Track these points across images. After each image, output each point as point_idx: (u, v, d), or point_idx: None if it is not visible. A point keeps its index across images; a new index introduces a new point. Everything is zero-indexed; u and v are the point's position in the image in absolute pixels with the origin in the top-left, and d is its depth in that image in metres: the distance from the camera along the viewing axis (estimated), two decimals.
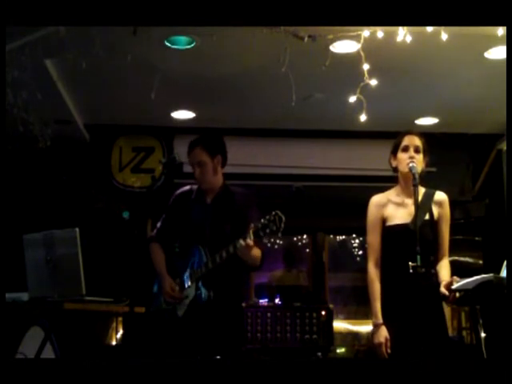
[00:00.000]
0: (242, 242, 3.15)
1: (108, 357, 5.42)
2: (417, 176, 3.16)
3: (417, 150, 3.29)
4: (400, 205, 3.32)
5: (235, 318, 3.48)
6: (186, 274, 3.46)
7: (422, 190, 3.32)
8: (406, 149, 3.29)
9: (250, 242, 3.12)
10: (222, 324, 3.38)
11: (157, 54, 4.62)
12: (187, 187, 3.68)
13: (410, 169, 3.19)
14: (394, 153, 3.35)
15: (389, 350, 3.13)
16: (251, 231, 3.11)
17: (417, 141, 3.31)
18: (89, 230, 4.18)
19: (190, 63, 4.82)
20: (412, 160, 3.23)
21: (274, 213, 3.07)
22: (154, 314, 3.59)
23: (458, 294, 3.16)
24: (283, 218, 3.05)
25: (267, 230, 3.07)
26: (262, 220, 3.09)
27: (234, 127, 6.12)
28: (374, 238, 3.33)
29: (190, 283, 3.44)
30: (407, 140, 3.31)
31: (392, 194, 3.38)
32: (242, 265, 3.39)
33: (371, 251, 3.32)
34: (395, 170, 3.37)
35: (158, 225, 3.69)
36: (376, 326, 3.19)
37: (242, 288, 3.63)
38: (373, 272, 3.27)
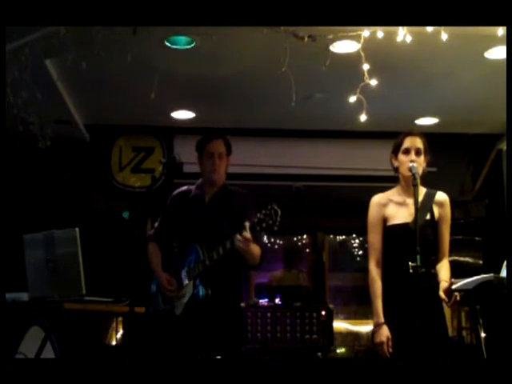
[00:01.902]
0: (238, 236, 3.14)
1: (108, 357, 5.42)
2: (417, 176, 3.17)
3: (418, 153, 3.28)
4: (401, 204, 3.33)
5: (234, 317, 3.47)
6: (184, 273, 3.47)
7: (423, 190, 3.33)
8: (407, 151, 3.29)
9: (247, 234, 3.11)
10: (220, 322, 3.38)
11: (157, 54, 4.62)
12: (185, 187, 3.68)
13: (410, 169, 3.20)
14: (395, 153, 3.35)
15: (390, 350, 3.13)
16: (247, 226, 3.10)
17: (418, 143, 3.30)
18: (89, 229, 4.18)
19: (190, 63, 4.82)
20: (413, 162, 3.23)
21: (269, 207, 3.06)
22: (153, 315, 3.59)
23: (458, 298, 3.16)
24: (279, 212, 3.04)
25: (263, 224, 3.06)
26: (258, 214, 3.08)
27: (234, 127, 6.12)
28: (374, 238, 3.33)
29: (187, 281, 3.44)
30: (408, 142, 3.30)
31: (393, 194, 3.39)
32: (241, 262, 3.39)
33: (372, 251, 3.32)
34: (396, 170, 3.37)
35: (156, 225, 3.70)
36: (377, 326, 3.19)
37: (241, 287, 3.61)
38: (374, 271, 3.28)
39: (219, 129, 5.36)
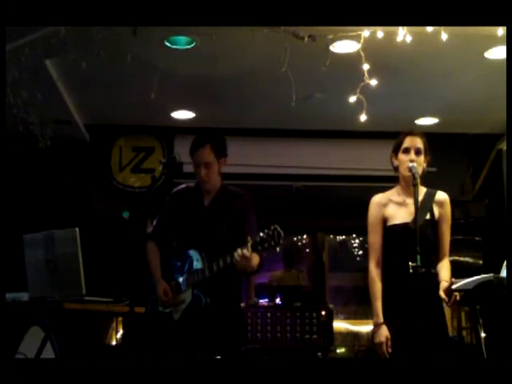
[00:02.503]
0: (239, 251, 3.10)
1: (108, 357, 5.42)
2: (417, 176, 3.17)
3: (418, 152, 3.28)
4: (401, 204, 3.32)
5: (232, 320, 3.45)
6: (182, 279, 3.44)
7: (423, 190, 3.32)
8: (407, 150, 3.29)
9: (247, 253, 3.06)
10: (218, 327, 3.35)
11: (157, 54, 4.62)
12: (183, 185, 3.63)
13: (410, 169, 3.19)
14: (396, 152, 3.35)
15: (390, 350, 3.13)
16: (249, 244, 3.06)
17: (418, 142, 3.30)
18: (89, 229, 4.17)
19: (190, 63, 4.82)
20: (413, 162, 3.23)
21: (272, 227, 3.03)
22: (151, 316, 3.57)
23: (458, 297, 3.16)
24: (282, 234, 3.02)
25: (265, 245, 3.04)
26: (261, 234, 3.05)
27: (234, 127, 6.12)
28: (374, 238, 3.33)
29: (185, 288, 3.41)
30: (408, 141, 3.30)
31: (393, 194, 3.38)
32: (240, 270, 3.34)
33: (372, 251, 3.32)
34: (396, 169, 3.37)
35: (154, 223, 3.65)
36: (377, 326, 3.19)
37: (241, 290, 3.58)
38: (374, 271, 3.27)
39: (219, 129, 5.36)
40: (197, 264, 3.38)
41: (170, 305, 3.43)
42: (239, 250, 3.09)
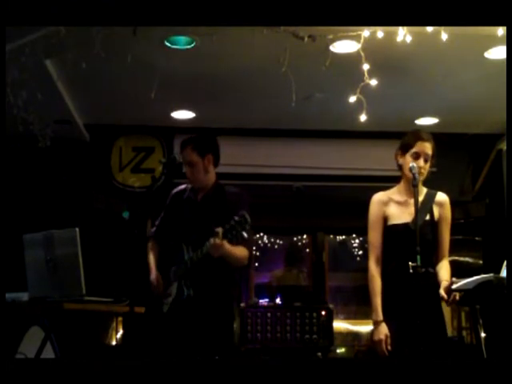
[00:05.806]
0: (210, 241, 3.19)
1: (108, 357, 5.42)
2: (417, 176, 3.17)
3: (426, 160, 3.28)
4: (402, 204, 3.33)
5: (219, 316, 3.46)
6: (171, 272, 3.54)
7: (423, 190, 3.33)
8: (416, 156, 3.26)
9: (218, 241, 3.15)
10: (204, 322, 3.41)
11: (157, 54, 4.62)
12: (183, 186, 3.73)
13: (410, 168, 3.19)
14: (403, 152, 3.33)
15: (389, 347, 3.13)
16: (220, 232, 3.15)
17: (428, 149, 3.27)
18: (89, 229, 4.18)
19: (190, 63, 4.82)
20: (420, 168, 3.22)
21: (241, 214, 3.14)
22: (152, 313, 3.64)
23: (457, 297, 3.16)
24: (248, 220, 3.12)
25: (233, 232, 3.13)
26: (231, 221, 3.15)
27: (234, 127, 6.12)
28: (375, 236, 3.33)
29: (173, 280, 3.52)
30: (419, 147, 3.27)
31: (394, 193, 3.39)
32: (227, 264, 3.40)
33: (372, 249, 3.33)
34: (400, 167, 3.36)
35: (156, 223, 3.77)
36: (376, 323, 3.20)
37: (231, 286, 3.58)
38: (373, 269, 3.28)
39: (219, 129, 5.36)
40: (183, 257, 3.48)
41: (160, 293, 3.53)
42: (211, 239, 3.18)
